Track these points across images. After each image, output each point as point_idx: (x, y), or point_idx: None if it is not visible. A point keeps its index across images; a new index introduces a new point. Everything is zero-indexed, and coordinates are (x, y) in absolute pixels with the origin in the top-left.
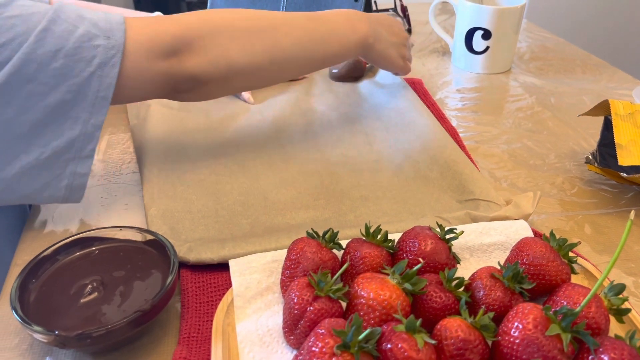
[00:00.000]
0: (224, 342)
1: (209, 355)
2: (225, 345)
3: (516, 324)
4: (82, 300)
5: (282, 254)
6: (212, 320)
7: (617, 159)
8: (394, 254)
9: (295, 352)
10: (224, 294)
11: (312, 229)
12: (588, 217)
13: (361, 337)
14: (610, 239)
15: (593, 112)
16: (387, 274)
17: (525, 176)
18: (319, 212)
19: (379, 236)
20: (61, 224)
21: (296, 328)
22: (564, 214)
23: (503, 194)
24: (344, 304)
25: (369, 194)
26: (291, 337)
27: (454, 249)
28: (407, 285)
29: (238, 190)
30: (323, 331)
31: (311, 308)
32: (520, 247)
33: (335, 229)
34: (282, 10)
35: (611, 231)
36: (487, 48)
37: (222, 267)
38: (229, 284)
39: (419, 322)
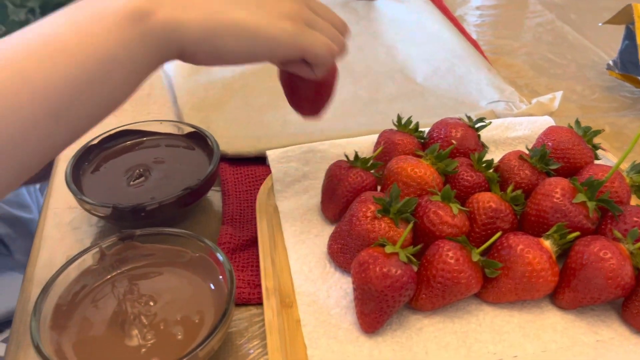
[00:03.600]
0: (267, 219)
1: (252, 233)
2: (269, 222)
3: (544, 193)
4: (132, 183)
5: (317, 145)
6: (252, 207)
7: (637, 66)
8: (424, 144)
9: (334, 226)
10: (261, 183)
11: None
12: (608, 119)
13: (400, 204)
14: (630, 138)
15: (615, 19)
16: (421, 156)
17: (546, 84)
18: (346, 118)
19: (411, 126)
20: None
21: (334, 196)
22: (584, 117)
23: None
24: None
25: (394, 99)
26: (330, 207)
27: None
28: (441, 165)
29: (267, 93)
30: (365, 199)
31: (347, 177)
32: (546, 134)
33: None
34: None
35: (630, 131)
36: None
37: (258, 161)
38: (266, 175)
39: (453, 192)
